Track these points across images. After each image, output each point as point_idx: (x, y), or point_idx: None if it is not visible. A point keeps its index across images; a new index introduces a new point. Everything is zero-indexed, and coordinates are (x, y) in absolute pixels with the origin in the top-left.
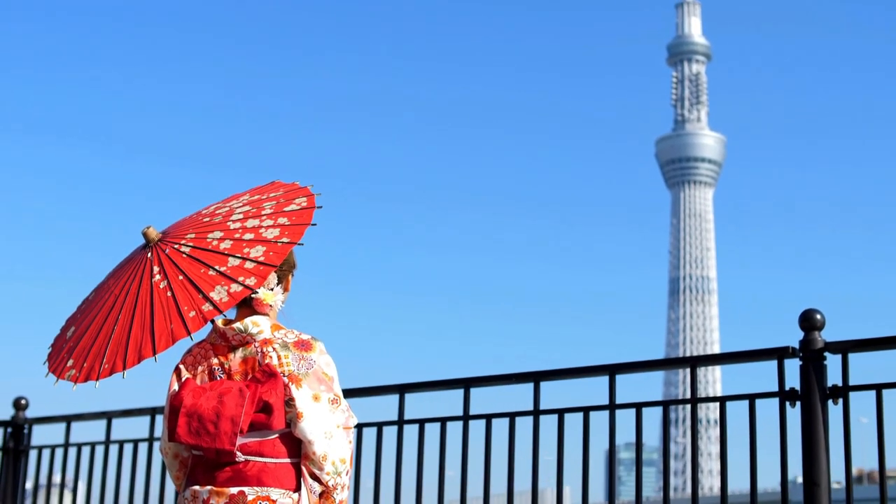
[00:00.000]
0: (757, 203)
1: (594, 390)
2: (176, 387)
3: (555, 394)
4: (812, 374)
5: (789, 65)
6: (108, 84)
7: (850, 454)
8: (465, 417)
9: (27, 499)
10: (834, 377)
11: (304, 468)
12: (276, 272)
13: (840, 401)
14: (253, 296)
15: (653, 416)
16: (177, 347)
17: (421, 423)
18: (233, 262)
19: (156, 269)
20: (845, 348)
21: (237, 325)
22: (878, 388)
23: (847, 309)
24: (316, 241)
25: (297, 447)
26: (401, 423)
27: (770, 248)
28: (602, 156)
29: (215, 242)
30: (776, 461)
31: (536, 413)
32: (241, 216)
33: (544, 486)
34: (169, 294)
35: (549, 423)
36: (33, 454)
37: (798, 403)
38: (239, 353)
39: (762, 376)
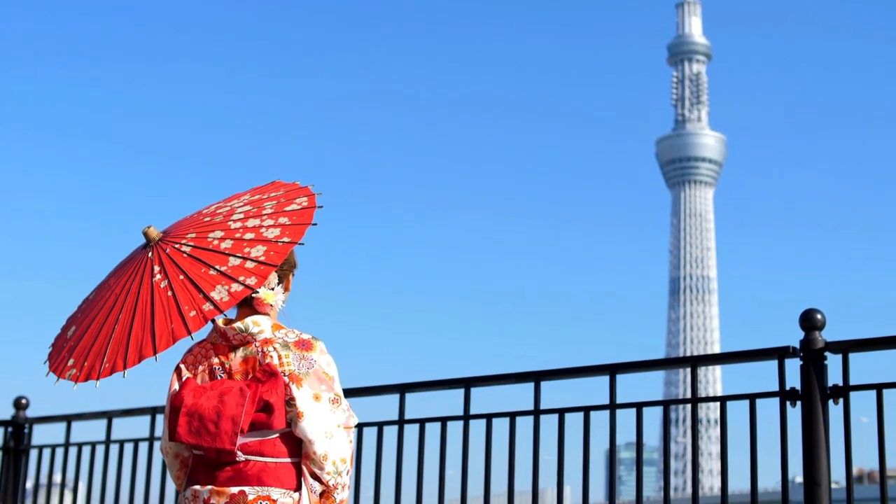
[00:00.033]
0: (757, 203)
1: (594, 390)
2: (176, 386)
3: (555, 393)
4: (813, 374)
5: (789, 65)
6: (109, 84)
7: (851, 454)
8: (466, 417)
9: (27, 498)
10: (834, 377)
11: (304, 468)
12: (276, 272)
13: (840, 400)
14: (254, 295)
15: (653, 416)
16: (177, 347)
17: (421, 422)
18: (233, 261)
19: (156, 268)
20: (846, 348)
21: (238, 324)
22: (879, 387)
23: (847, 309)
24: (316, 241)
25: (297, 447)
26: (401, 422)
27: (770, 247)
28: (602, 156)
29: (216, 242)
30: (776, 461)
31: (537, 413)
32: (241, 216)
33: (545, 485)
34: (170, 293)
35: (549, 423)
36: (34, 454)
37: (798, 403)
38: (240, 353)
39: (762, 376)
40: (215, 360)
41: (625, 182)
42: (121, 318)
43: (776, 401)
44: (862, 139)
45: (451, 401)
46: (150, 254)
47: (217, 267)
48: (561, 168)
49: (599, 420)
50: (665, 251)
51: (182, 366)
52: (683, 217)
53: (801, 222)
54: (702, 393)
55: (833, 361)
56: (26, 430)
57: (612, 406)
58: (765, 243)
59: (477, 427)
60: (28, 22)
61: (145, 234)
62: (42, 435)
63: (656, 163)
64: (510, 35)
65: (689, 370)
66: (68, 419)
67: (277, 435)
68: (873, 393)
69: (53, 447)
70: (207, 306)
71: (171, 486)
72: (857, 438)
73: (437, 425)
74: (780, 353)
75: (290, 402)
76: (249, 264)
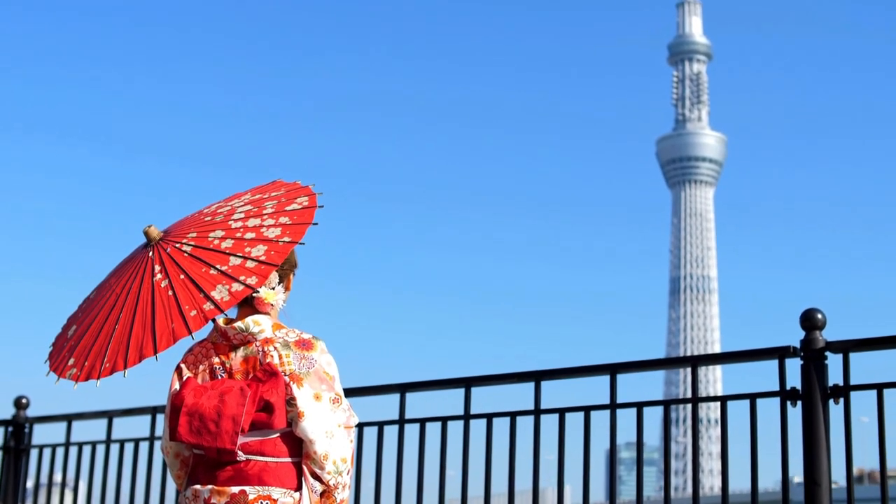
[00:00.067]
0: (758, 202)
1: (595, 390)
2: (177, 386)
3: (556, 393)
4: (813, 374)
5: (790, 64)
6: (109, 83)
7: (851, 454)
8: (466, 417)
9: (28, 498)
10: (835, 377)
11: (305, 467)
12: (277, 271)
13: (841, 400)
14: (254, 295)
15: (654, 416)
16: (178, 346)
17: (422, 422)
18: (234, 261)
19: (157, 267)
20: (846, 348)
21: (238, 324)
22: (880, 387)
23: (847, 309)
24: (317, 241)
25: (298, 446)
26: (402, 422)
27: (771, 247)
28: (602, 155)
29: (217, 241)
30: (777, 461)
31: (537, 412)
32: (242, 215)
33: (545, 485)
34: (170, 293)
35: (549, 423)
36: (34, 453)
37: (799, 403)
38: (240, 353)
39: (763, 376)
40: (216, 360)
41: (625, 182)
42: (121, 318)
43: (776, 400)
44: (862, 139)
45: (451, 400)
46: (150, 253)
47: (218, 266)
48: (561, 168)
49: (600, 420)
50: (665, 251)
51: (183, 365)
52: (684, 217)
53: (801, 222)
54: (702, 393)
55: (833, 361)
56: (27, 430)
57: (613, 406)
58: (765, 243)
59: (477, 427)
60: (28, 22)
61: (146, 234)
62: (42, 434)
63: (657, 162)
64: (510, 35)
65: (689, 370)
66: (69, 419)
67: (278, 434)
68: (874, 393)
69: (54, 447)
70: (208, 306)
71: (171, 486)
72: (857, 438)
73: (438, 425)
74: (781, 353)
75: (290, 401)
76: (250, 264)
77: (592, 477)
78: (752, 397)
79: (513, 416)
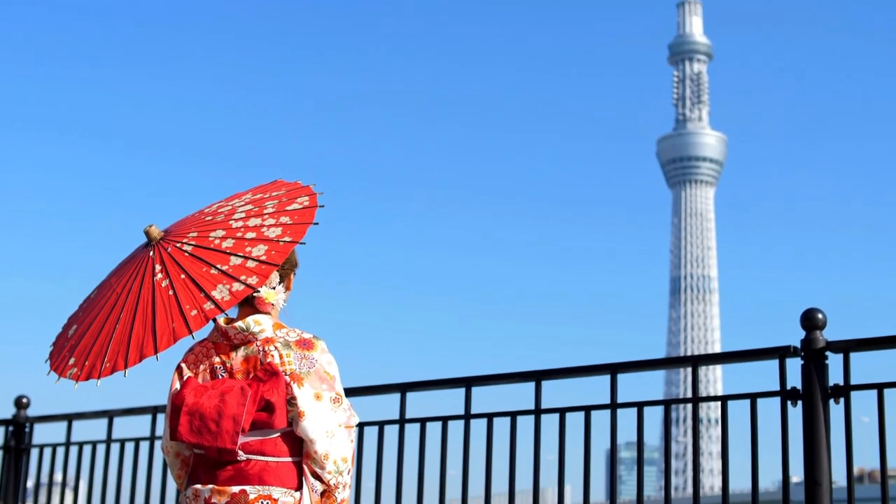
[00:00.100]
0: (758, 202)
1: (595, 389)
2: (178, 385)
3: (556, 393)
4: (813, 374)
5: (790, 64)
6: (109, 82)
7: (852, 453)
8: (467, 416)
9: (28, 497)
10: (835, 376)
11: (305, 467)
12: (278, 271)
13: (841, 400)
14: (255, 294)
15: (654, 416)
16: (178, 346)
17: (422, 422)
18: (235, 260)
19: (158, 267)
20: (847, 347)
21: (239, 323)
22: (880, 387)
23: (848, 309)
24: (317, 240)
25: (298, 446)
26: (402, 422)
27: (771, 247)
28: (603, 155)
29: (217, 241)
30: (777, 460)
31: (538, 412)
32: (243, 215)
33: (545, 485)
34: (171, 292)
35: (550, 423)
36: (34, 453)
37: (799, 403)
38: (241, 352)
39: (763, 375)
40: (216, 360)
41: (625, 182)
42: (122, 317)
43: (777, 400)
44: (862, 139)
45: (451, 400)
46: (151, 253)
47: (218, 266)
48: (561, 168)
49: (600, 420)
50: (666, 251)
51: (183, 365)
52: (684, 216)
53: (801, 222)
54: (702, 392)
55: (834, 361)
56: (27, 430)
57: (613, 405)
58: (765, 243)
59: (478, 426)
60: (28, 22)
61: (147, 233)
62: (43, 434)
63: (657, 162)
64: (510, 35)
65: (689, 370)
66: (69, 418)
67: (278, 434)
68: (874, 392)
69: (54, 446)
70: (209, 305)
71: (171, 486)
72: (857, 438)
73: (438, 425)
74: (781, 353)
75: (291, 401)
76: (251, 263)
77: (593, 477)
78: (753, 397)
79: (513, 415)
